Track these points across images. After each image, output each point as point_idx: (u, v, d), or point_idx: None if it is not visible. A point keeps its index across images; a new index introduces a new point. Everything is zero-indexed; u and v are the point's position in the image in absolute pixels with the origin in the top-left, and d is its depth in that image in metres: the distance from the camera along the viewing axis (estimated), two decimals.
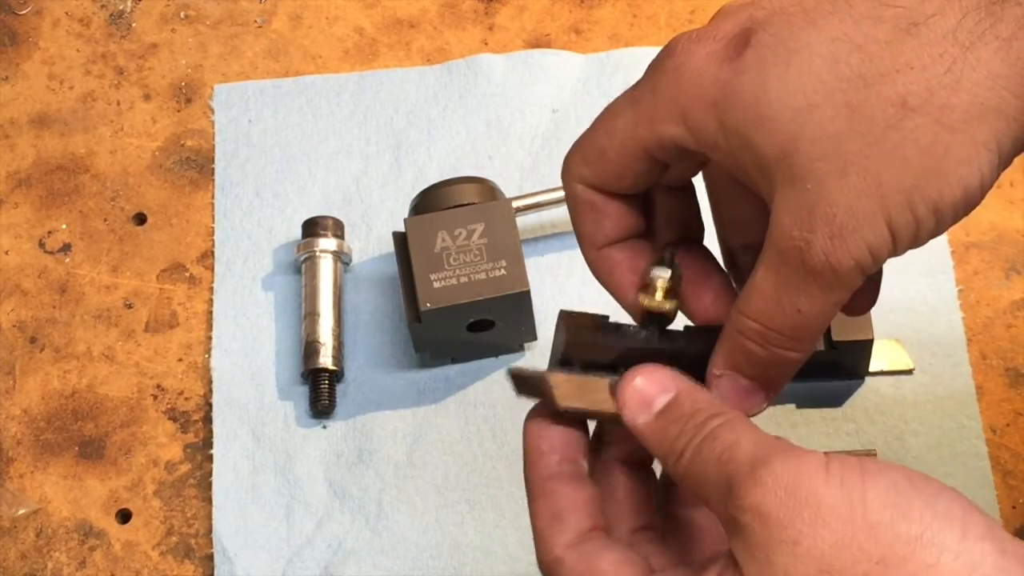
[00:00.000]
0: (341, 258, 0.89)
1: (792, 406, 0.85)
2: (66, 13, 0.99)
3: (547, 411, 0.62)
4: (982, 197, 0.57)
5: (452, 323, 0.84)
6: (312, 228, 0.89)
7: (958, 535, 0.53)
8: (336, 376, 0.87)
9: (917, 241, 0.58)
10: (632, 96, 0.62)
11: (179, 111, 0.96)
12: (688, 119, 0.59)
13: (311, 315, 0.88)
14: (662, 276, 0.63)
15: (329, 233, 0.89)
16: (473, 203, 0.86)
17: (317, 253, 0.89)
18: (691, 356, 0.62)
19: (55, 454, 0.87)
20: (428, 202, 0.87)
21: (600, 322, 0.63)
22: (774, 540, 0.54)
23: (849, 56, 0.56)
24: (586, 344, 0.62)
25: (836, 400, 0.83)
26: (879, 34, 0.56)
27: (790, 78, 0.56)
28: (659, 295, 0.63)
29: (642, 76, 0.62)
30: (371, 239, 0.91)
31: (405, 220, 0.85)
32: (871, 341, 0.83)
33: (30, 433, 0.88)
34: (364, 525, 0.84)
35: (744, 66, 0.57)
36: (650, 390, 0.60)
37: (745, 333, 0.60)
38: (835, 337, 0.82)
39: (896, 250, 0.58)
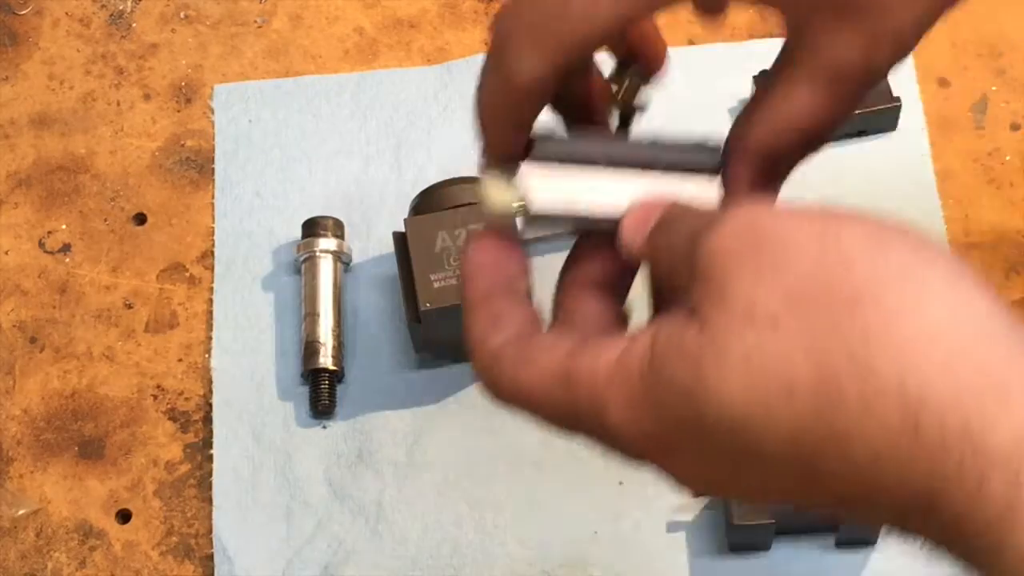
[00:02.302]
0: (341, 258, 0.89)
1: None
2: (66, 13, 0.99)
3: (493, 232, 0.59)
4: None
5: (452, 323, 0.84)
6: (312, 228, 0.89)
7: (945, 277, 0.49)
8: (336, 376, 0.87)
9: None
10: None
11: (179, 111, 0.96)
12: None
13: (311, 315, 0.88)
14: (630, 75, 0.62)
15: (329, 233, 0.89)
16: (473, 203, 0.86)
17: (317, 253, 0.89)
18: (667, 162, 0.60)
19: (55, 454, 0.87)
20: (428, 202, 0.87)
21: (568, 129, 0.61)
22: (734, 275, 0.50)
23: None
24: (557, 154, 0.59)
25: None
26: None
27: None
28: (625, 92, 0.62)
29: None
30: (371, 239, 0.91)
31: (405, 220, 0.85)
32: None
33: (30, 433, 0.88)
34: (364, 525, 0.84)
35: None
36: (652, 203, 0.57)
37: (778, 148, 0.61)
38: None
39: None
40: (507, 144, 0.60)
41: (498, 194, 0.59)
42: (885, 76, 0.63)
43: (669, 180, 0.60)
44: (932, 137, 0.92)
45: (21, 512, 0.86)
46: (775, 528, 0.80)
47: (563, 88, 0.60)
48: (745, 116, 0.62)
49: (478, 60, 0.94)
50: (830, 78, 0.61)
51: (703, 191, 0.60)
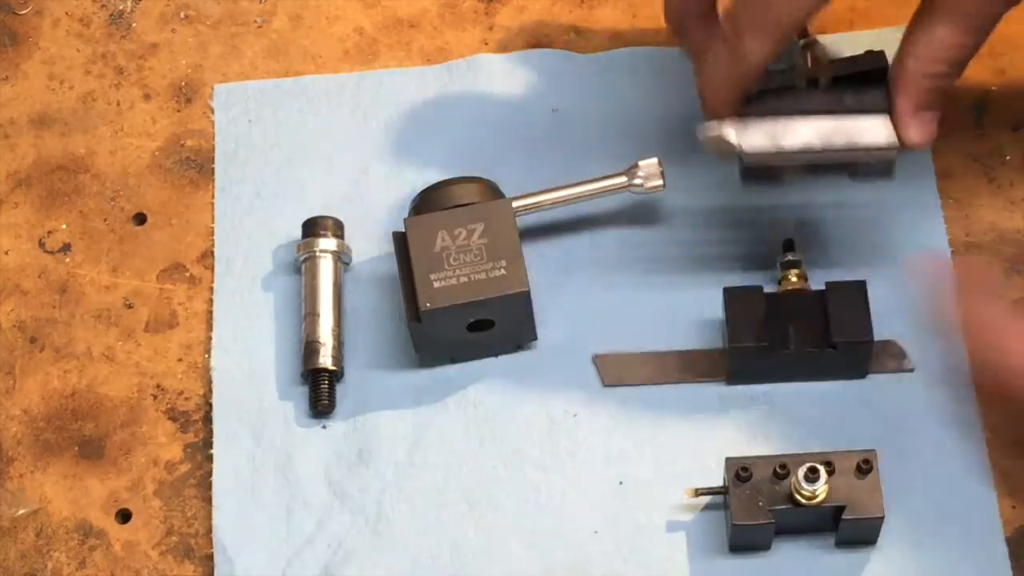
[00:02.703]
0: (341, 258, 0.89)
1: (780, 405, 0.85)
2: (66, 13, 0.99)
3: None
4: None
5: (452, 323, 0.84)
6: (312, 228, 0.89)
7: None
8: (336, 376, 0.87)
9: None
10: None
11: (179, 111, 0.96)
12: None
13: (311, 315, 0.88)
14: (818, 48, 0.84)
15: (329, 233, 0.89)
16: (473, 203, 0.86)
17: (317, 253, 0.89)
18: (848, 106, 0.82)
19: (55, 454, 0.87)
20: (428, 202, 0.87)
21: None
22: None
23: None
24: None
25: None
26: None
27: None
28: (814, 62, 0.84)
29: None
30: (371, 239, 0.91)
31: (405, 220, 0.85)
32: (871, 342, 0.83)
33: (30, 433, 0.88)
34: (364, 525, 0.84)
35: None
36: None
37: (930, 76, 0.80)
38: (835, 338, 0.82)
39: None
40: (730, 110, 0.81)
41: (718, 143, 0.81)
42: (1006, 10, 0.79)
43: (847, 120, 0.82)
44: None
45: (21, 512, 0.86)
46: (775, 528, 0.80)
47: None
48: (898, 56, 0.81)
49: (478, 60, 0.95)
50: (962, 14, 0.79)
51: (875, 126, 0.82)
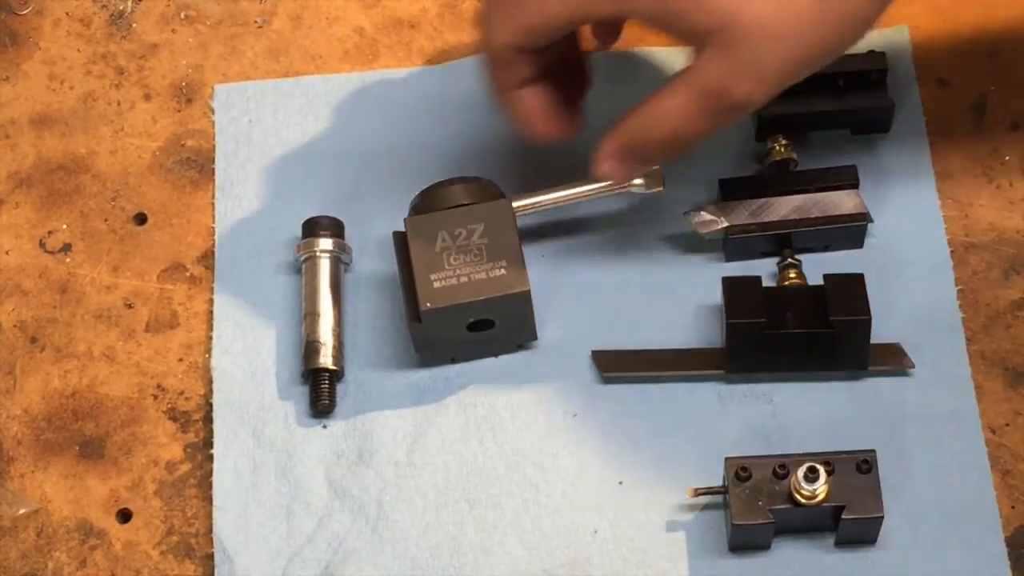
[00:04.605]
0: (341, 258, 0.89)
1: (772, 396, 0.85)
2: (66, 13, 0.99)
3: None
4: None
5: (452, 323, 0.84)
6: (312, 228, 0.89)
7: None
8: (336, 376, 0.87)
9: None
10: None
11: (179, 111, 0.96)
12: (624, 2, 0.77)
13: (311, 315, 0.88)
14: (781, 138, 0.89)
15: (329, 233, 0.89)
16: (473, 203, 0.86)
17: (317, 253, 0.89)
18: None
19: (56, 454, 0.87)
20: (428, 202, 0.87)
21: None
22: None
23: None
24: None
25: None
26: None
27: None
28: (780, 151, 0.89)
29: None
30: (371, 239, 0.91)
31: (405, 220, 0.85)
32: (869, 322, 0.82)
33: (31, 433, 0.88)
34: (364, 525, 0.84)
35: None
36: None
37: (646, 140, 0.80)
38: (833, 316, 0.82)
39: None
40: (501, 94, 0.83)
41: (704, 224, 0.87)
42: (753, 108, 0.78)
43: (816, 197, 0.87)
44: (932, 137, 0.92)
45: (22, 512, 0.86)
46: (775, 528, 0.81)
47: (555, 61, 0.83)
48: (636, 105, 0.80)
49: (478, 61, 0.95)
50: (698, 92, 0.77)
51: (844, 199, 0.87)
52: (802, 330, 0.83)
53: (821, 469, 0.79)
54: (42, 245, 0.93)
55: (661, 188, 0.87)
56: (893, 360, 0.86)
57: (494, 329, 0.85)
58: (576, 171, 0.90)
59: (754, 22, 0.75)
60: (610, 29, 0.89)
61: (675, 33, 0.78)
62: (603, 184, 0.88)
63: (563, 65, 0.84)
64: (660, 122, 0.79)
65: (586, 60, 0.86)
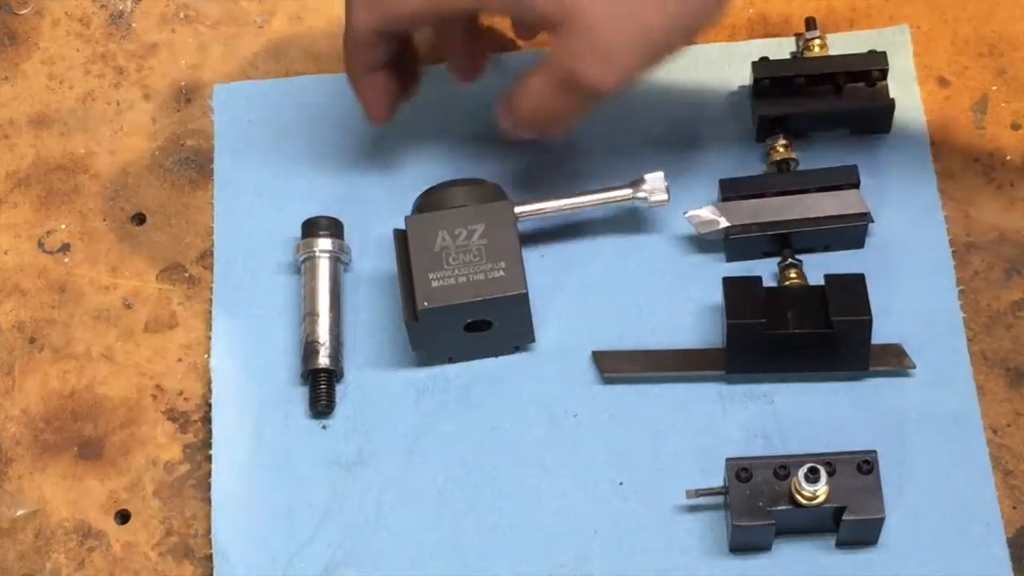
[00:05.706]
0: (341, 258, 0.89)
1: (771, 388, 0.85)
2: (66, 13, 0.99)
3: None
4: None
5: (449, 323, 0.84)
6: (312, 228, 0.89)
7: None
8: (335, 376, 0.87)
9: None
10: None
11: (179, 111, 0.96)
12: None
13: (311, 315, 0.88)
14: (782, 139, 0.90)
15: (328, 233, 0.89)
16: (474, 204, 0.86)
17: (317, 253, 0.89)
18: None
19: (54, 454, 0.87)
20: (430, 202, 0.87)
21: None
22: None
23: None
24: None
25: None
26: None
27: None
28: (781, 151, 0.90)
29: None
30: (371, 239, 0.91)
31: (407, 218, 0.85)
32: (870, 322, 0.82)
33: (29, 433, 0.88)
34: (364, 525, 0.84)
35: None
36: None
37: (518, 114, 0.83)
38: (834, 316, 0.82)
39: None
40: (357, 74, 0.87)
41: (705, 224, 0.87)
42: (611, 92, 0.80)
43: (817, 197, 0.87)
44: (932, 137, 0.92)
45: (20, 512, 0.86)
46: (776, 529, 0.80)
47: (450, 47, 0.89)
48: (510, 87, 0.84)
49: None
50: (552, 75, 0.81)
51: (845, 199, 0.87)
52: (803, 330, 0.83)
53: (822, 470, 0.79)
54: (41, 245, 0.93)
55: (666, 199, 0.87)
56: (894, 360, 0.86)
57: (492, 330, 0.85)
58: (576, 172, 0.90)
59: (597, 6, 0.78)
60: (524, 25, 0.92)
61: (528, 21, 0.84)
62: (607, 195, 0.88)
63: (403, 63, 0.89)
64: (525, 100, 0.83)
65: (419, 66, 0.91)
